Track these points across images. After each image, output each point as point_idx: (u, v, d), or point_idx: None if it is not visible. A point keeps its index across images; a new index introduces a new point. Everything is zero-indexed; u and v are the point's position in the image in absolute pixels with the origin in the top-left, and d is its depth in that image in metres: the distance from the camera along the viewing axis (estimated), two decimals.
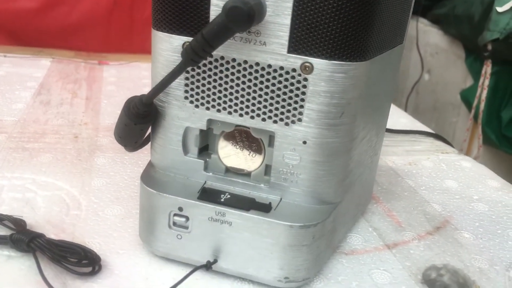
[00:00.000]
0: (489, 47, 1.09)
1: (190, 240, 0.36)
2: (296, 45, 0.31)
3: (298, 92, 0.32)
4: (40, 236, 0.37)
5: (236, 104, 0.34)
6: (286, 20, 0.31)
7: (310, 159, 0.34)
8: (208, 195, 0.35)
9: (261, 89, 0.33)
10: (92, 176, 0.50)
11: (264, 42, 0.32)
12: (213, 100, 0.34)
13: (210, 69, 0.33)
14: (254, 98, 0.33)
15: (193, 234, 0.36)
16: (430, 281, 0.39)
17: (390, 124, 0.58)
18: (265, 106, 0.33)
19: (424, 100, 1.43)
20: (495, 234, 0.46)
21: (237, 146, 0.36)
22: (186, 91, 0.34)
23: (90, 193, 0.47)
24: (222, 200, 0.35)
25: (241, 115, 0.34)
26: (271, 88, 0.32)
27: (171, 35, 0.33)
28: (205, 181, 0.37)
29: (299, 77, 0.32)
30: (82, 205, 0.45)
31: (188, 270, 0.35)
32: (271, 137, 0.35)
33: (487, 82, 1.13)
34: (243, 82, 0.33)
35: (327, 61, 0.31)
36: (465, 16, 1.19)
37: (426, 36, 1.41)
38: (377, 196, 0.51)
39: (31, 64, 0.85)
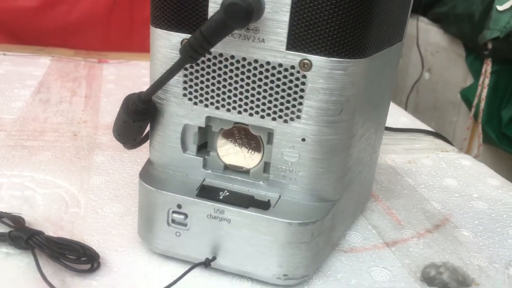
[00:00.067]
0: (490, 45, 1.09)
1: (189, 237, 0.36)
2: (294, 42, 0.31)
3: (297, 89, 0.32)
4: (39, 233, 0.37)
5: (234, 101, 0.34)
6: (285, 17, 0.30)
7: (309, 157, 0.34)
8: (207, 192, 0.35)
9: (259, 86, 0.33)
10: (91, 174, 0.50)
11: (263, 39, 0.31)
12: (212, 97, 0.34)
13: (208, 66, 0.33)
14: (252, 95, 0.33)
15: (192, 231, 0.36)
16: (430, 279, 0.39)
17: (390, 123, 0.58)
18: (263, 103, 0.33)
19: (424, 99, 1.43)
20: (495, 232, 0.46)
21: (236, 144, 0.36)
22: (185, 88, 0.34)
23: (89, 190, 0.47)
24: (221, 197, 0.35)
25: (239, 112, 0.34)
26: (270, 85, 0.32)
27: (169, 32, 0.33)
28: (204, 179, 0.37)
29: (297, 74, 0.32)
30: (81, 202, 0.44)
31: (187, 267, 0.35)
32: (270, 134, 0.34)
33: (487, 81, 1.12)
34: (242, 79, 0.33)
35: (326, 58, 0.31)
36: (465, 14, 1.19)
37: (426, 35, 1.41)
38: (376, 194, 0.51)
39: (31, 62, 0.85)
